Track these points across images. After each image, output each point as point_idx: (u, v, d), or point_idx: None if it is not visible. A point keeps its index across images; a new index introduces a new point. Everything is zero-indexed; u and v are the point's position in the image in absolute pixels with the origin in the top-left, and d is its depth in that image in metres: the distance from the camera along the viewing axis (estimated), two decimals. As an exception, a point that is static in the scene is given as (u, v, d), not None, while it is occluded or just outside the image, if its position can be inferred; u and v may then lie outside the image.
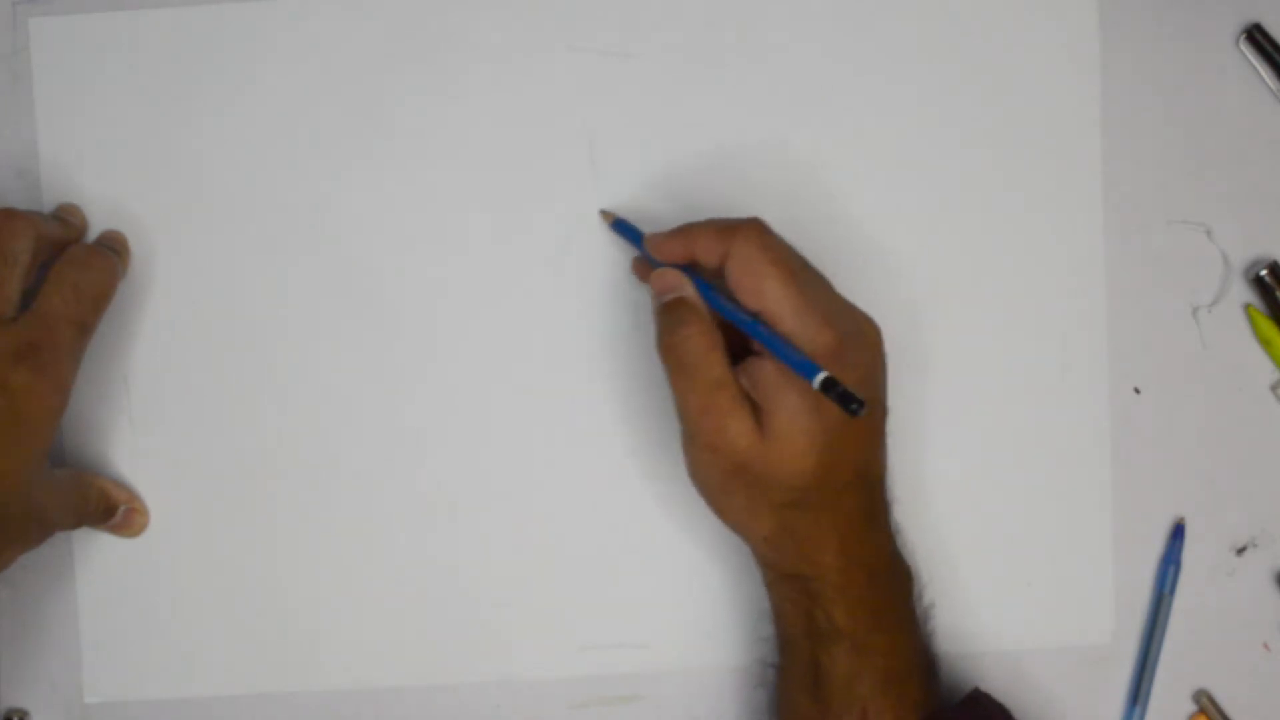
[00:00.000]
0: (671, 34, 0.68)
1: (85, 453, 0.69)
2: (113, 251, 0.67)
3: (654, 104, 0.68)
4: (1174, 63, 0.68)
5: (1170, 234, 0.68)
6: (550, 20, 0.68)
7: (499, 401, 0.69)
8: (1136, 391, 0.69)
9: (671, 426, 0.62)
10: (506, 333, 0.68)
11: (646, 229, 0.65)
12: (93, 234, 0.68)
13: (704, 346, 0.59)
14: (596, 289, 0.68)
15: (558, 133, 0.68)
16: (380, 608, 0.69)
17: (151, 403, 0.69)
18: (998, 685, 0.67)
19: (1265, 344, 0.68)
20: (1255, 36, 0.68)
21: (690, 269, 0.62)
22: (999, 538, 0.69)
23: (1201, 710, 0.69)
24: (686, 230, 0.62)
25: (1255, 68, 0.68)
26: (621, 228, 0.67)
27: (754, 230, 0.60)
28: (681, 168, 0.68)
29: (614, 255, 0.68)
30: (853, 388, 0.56)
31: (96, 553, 0.69)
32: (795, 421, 0.58)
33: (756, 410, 0.59)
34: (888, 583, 0.62)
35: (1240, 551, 0.69)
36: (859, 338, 0.60)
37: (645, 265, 0.64)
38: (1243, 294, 0.68)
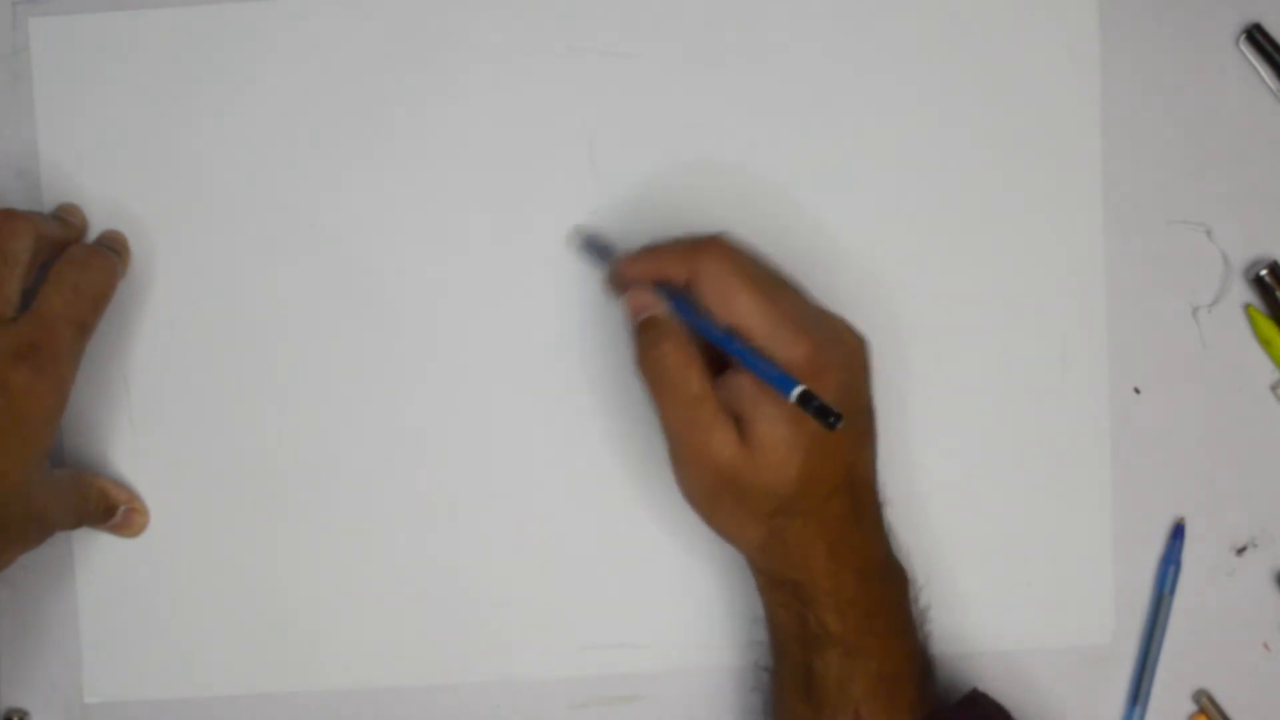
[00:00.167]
0: (671, 34, 0.68)
1: (85, 453, 0.69)
2: (113, 251, 0.67)
3: (654, 104, 0.68)
4: (1174, 63, 0.68)
5: (1170, 234, 0.68)
6: (550, 20, 0.68)
7: (499, 401, 0.69)
8: (1136, 391, 0.69)
9: (671, 426, 0.62)
10: (506, 333, 0.68)
11: (645, 230, 0.65)
12: (93, 234, 0.68)
13: (681, 362, 0.59)
14: (596, 289, 0.68)
15: (558, 133, 0.68)
16: (380, 608, 0.69)
17: (151, 403, 0.69)
18: (997, 685, 0.67)
19: (1265, 344, 0.68)
20: (1255, 36, 0.68)
21: (663, 286, 0.62)
22: (999, 538, 0.69)
23: (1201, 710, 0.69)
24: (653, 251, 0.62)
25: (1255, 68, 0.68)
26: (592, 247, 0.67)
27: (719, 246, 0.60)
28: (681, 168, 0.68)
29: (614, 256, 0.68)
30: (832, 396, 0.56)
31: (96, 553, 0.69)
32: (776, 431, 0.58)
33: (738, 422, 0.59)
34: (880, 585, 0.62)
35: (1240, 551, 0.69)
36: (836, 345, 0.60)
37: (617, 282, 0.64)
38: (1243, 294, 0.68)
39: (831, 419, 0.56)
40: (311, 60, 0.68)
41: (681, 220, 0.65)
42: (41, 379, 0.61)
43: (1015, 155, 0.68)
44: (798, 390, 0.56)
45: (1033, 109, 0.68)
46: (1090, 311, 0.68)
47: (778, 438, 0.58)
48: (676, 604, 0.69)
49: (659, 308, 0.61)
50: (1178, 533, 0.69)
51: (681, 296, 0.61)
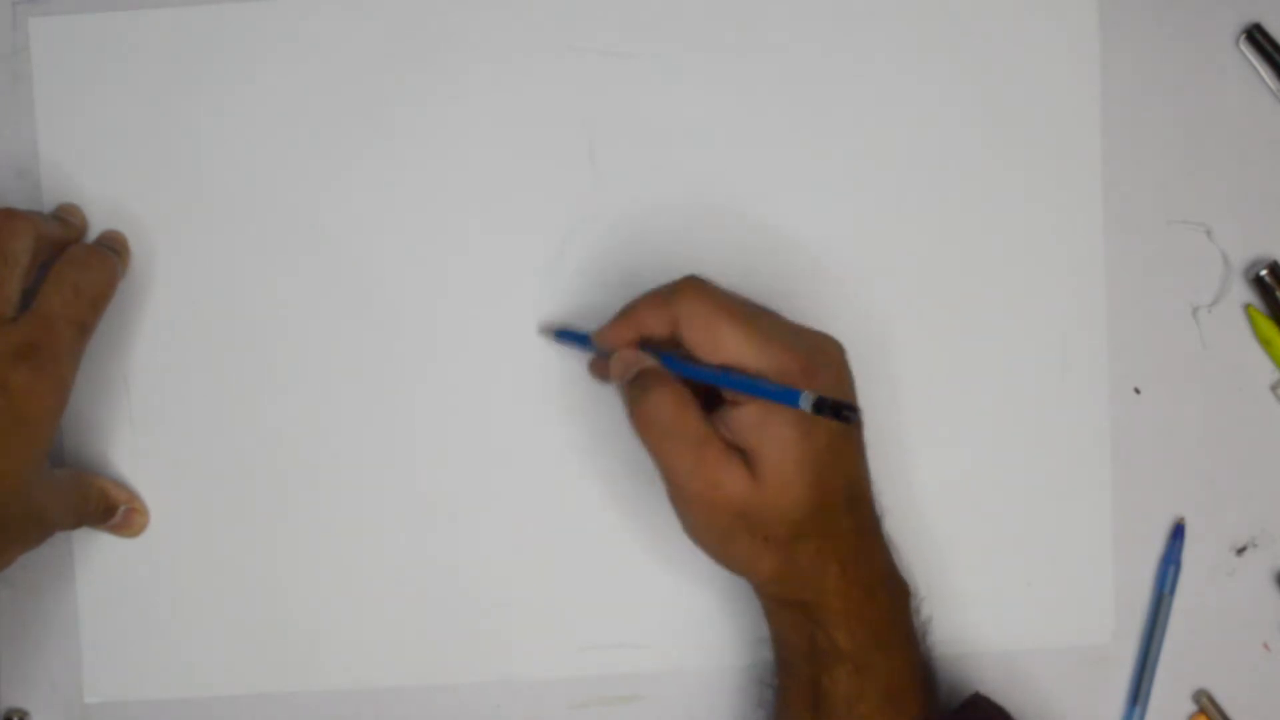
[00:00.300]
0: (671, 34, 0.68)
1: (85, 453, 0.69)
2: (113, 251, 0.67)
3: (654, 104, 0.68)
4: (1174, 63, 0.68)
5: (1170, 234, 0.68)
6: (550, 20, 0.68)
7: (499, 402, 0.69)
8: (1136, 391, 0.69)
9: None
10: (506, 333, 0.68)
11: (646, 231, 0.65)
12: (93, 234, 0.68)
13: (677, 407, 0.59)
14: (596, 289, 0.68)
15: (558, 133, 0.68)
16: (380, 608, 0.69)
17: (151, 403, 0.69)
18: (997, 685, 0.67)
19: (1265, 344, 0.68)
20: (1255, 36, 0.68)
21: (646, 346, 0.62)
22: (999, 538, 0.69)
23: (1201, 710, 0.69)
24: (629, 311, 0.62)
25: (1255, 68, 0.68)
26: (566, 336, 0.67)
27: (693, 287, 0.60)
28: (681, 168, 0.68)
29: (614, 256, 0.68)
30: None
31: (96, 553, 0.69)
32: (786, 453, 0.58)
33: (743, 455, 0.59)
34: (887, 600, 0.62)
35: (1240, 551, 0.69)
36: (822, 355, 0.60)
37: (602, 363, 0.64)
38: (1243, 294, 0.68)
39: (849, 413, 0.56)
40: (311, 60, 0.68)
41: (682, 220, 0.65)
42: (41, 379, 0.61)
43: (1015, 155, 0.68)
44: (811, 397, 0.56)
45: (1033, 109, 0.68)
46: (1090, 311, 0.68)
47: (789, 460, 0.58)
48: (676, 604, 0.69)
49: (645, 361, 0.61)
50: (1178, 533, 0.69)
51: (667, 352, 0.61)
